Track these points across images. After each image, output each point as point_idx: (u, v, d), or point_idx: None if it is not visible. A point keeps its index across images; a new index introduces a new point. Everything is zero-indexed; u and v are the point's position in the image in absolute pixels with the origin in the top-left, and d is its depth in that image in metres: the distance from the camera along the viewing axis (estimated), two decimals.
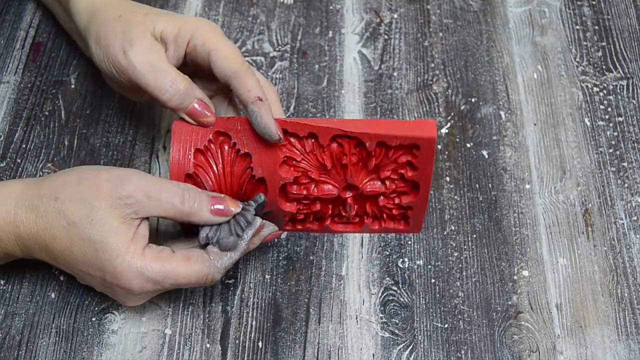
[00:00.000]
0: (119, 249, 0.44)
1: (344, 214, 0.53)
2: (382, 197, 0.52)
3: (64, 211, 0.44)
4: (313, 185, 0.50)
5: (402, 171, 0.50)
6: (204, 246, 0.47)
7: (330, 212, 0.52)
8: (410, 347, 0.50)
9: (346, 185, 0.51)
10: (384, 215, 0.53)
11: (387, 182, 0.51)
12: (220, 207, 0.46)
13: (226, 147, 0.49)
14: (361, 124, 0.48)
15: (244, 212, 0.47)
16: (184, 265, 0.45)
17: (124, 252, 0.44)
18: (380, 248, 0.54)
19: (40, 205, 0.45)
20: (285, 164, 0.49)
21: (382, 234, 0.54)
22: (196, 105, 0.48)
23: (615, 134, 0.60)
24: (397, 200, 0.52)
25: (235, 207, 0.47)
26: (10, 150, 0.58)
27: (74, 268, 0.46)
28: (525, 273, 0.53)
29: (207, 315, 0.51)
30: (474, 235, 0.55)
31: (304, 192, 0.50)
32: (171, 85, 0.47)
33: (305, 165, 0.49)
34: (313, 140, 0.49)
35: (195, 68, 0.50)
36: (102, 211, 0.44)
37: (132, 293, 0.45)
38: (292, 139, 0.49)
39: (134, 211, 0.44)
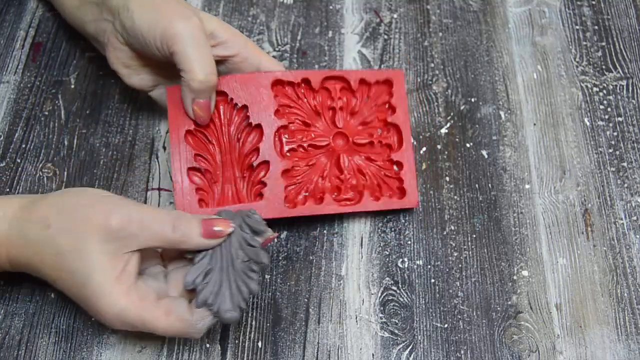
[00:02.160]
0: (103, 288, 0.42)
1: (340, 176, 0.54)
2: (371, 158, 0.55)
3: (53, 240, 0.43)
4: (305, 134, 0.54)
5: (383, 115, 0.56)
6: (192, 290, 0.45)
7: (329, 188, 0.54)
8: (410, 347, 0.50)
9: (336, 133, 0.54)
10: (380, 188, 0.54)
11: (372, 130, 0.56)
12: (212, 229, 0.44)
13: (221, 106, 0.52)
14: (345, 70, 0.57)
15: (252, 249, 0.45)
16: (164, 319, 0.43)
17: (108, 292, 0.42)
18: (380, 248, 0.54)
19: (31, 232, 0.43)
20: (279, 112, 0.53)
21: (382, 234, 0.54)
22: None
23: (615, 134, 0.60)
24: (385, 156, 0.55)
25: (226, 227, 0.45)
26: (10, 150, 0.58)
27: (65, 293, 0.45)
28: (525, 273, 0.53)
29: None
30: (474, 235, 0.55)
31: (298, 139, 0.54)
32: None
33: (298, 111, 0.54)
34: (304, 85, 0.54)
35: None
36: (91, 245, 0.42)
37: (113, 328, 0.44)
38: (286, 88, 0.54)
39: (125, 244, 0.43)
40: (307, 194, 0.53)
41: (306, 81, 0.54)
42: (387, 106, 0.56)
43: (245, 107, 0.52)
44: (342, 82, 0.56)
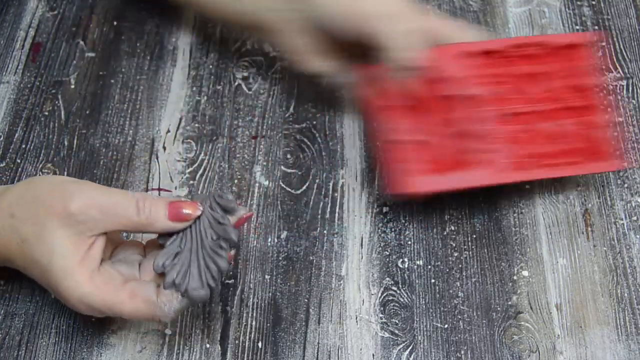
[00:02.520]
0: (65, 272, 0.42)
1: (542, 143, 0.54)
2: (568, 123, 0.54)
3: (18, 229, 0.43)
4: (507, 102, 0.54)
5: (574, 80, 0.54)
6: (161, 274, 0.44)
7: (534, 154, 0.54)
8: (410, 348, 0.50)
9: (528, 100, 0.54)
10: (582, 152, 0.54)
11: (563, 94, 0.54)
12: (179, 211, 0.44)
13: (424, 81, 0.53)
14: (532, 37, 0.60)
15: (223, 227, 0.44)
16: (128, 302, 0.43)
17: (70, 276, 0.42)
18: (380, 248, 0.54)
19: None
20: (480, 82, 0.53)
21: (382, 235, 0.54)
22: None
23: (615, 134, 0.60)
24: (580, 119, 0.54)
25: (194, 210, 0.44)
26: (10, 150, 0.58)
27: (35, 280, 0.45)
28: (525, 273, 0.53)
29: (206, 316, 0.51)
30: (474, 236, 0.55)
31: (501, 107, 0.53)
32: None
33: (496, 80, 0.54)
34: (495, 54, 0.53)
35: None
36: (52, 231, 0.42)
37: (82, 313, 0.44)
38: (480, 58, 0.53)
39: (87, 228, 0.42)
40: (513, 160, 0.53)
41: (495, 50, 0.54)
42: (577, 69, 0.55)
43: (448, 78, 0.52)
44: (529, 48, 0.54)
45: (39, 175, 0.56)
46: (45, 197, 0.43)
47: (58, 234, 0.42)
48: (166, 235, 0.45)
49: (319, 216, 0.55)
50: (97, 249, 0.43)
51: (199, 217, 0.44)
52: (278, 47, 0.56)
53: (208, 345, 0.50)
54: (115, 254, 0.46)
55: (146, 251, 0.47)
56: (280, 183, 0.57)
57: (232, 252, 0.45)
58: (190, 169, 0.58)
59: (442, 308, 0.51)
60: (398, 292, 0.52)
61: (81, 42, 0.64)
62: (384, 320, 0.51)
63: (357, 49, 0.53)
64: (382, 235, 0.54)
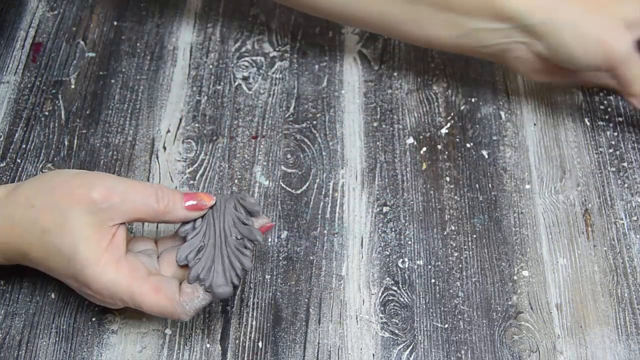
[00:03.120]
0: (90, 259, 0.42)
1: None
2: None
3: (38, 219, 0.43)
4: None
5: None
6: (184, 266, 0.45)
7: None
8: (410, 347, 0.50)
9: None
10: None
11: None
12: (194, 202, 0.45)
13: None
14: None
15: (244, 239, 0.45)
16: (152, 295, 0.43)
17: (94, 262, 0.42)
18: (380, 248, 0.54)
19: (16, 213, 0.44)
20: None
21: (382, 234, 0.54)
22: None
23: (615, 134, 0.60)
24: None
25: (209, 200, 0.45)
26: (10, 150, 0.58)
27: (54, 274, 0.45)
28: (525, 273, 0.53)
29: (207, 316, 0.51)
30: (474, 236, 0.55)
31: None
32: None
33: None
34: None
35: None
36: (75, 219, 0.42)
37: (104, 301, 0.44)
38: None
39: (109, 217, 0.43)
40: None
41: None
42: None
43: None
44: None
45: (39, 173, 0.56)
46: (68, 186, 0.43)
47: (82, 222, 0.42)
48: (187, 228, 0.45)
49: (319, 216, 0.55)
50: (119, 238, 0.44)
51: (222, 215, 0.45)
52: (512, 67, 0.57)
53: (208, 345, 0.50)
54: (130, 248, 0.47)
55: (158, 246, 0.48)
56: (281, 183, 0.57)
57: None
58: (191, 168, 0.58)
59: (442, 308, 0.51)
60: (398, 292, 0.52)
61: (81, 42, 0.64)
62: (384, 320, 0.51)
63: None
64: (382, 235, 0.55)
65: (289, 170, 0.58)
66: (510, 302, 0.52)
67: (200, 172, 0.57)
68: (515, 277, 0.53)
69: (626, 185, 0.57)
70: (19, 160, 0.57)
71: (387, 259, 0.53)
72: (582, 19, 0.52)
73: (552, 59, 0.54)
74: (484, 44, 0.55)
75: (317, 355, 0.49)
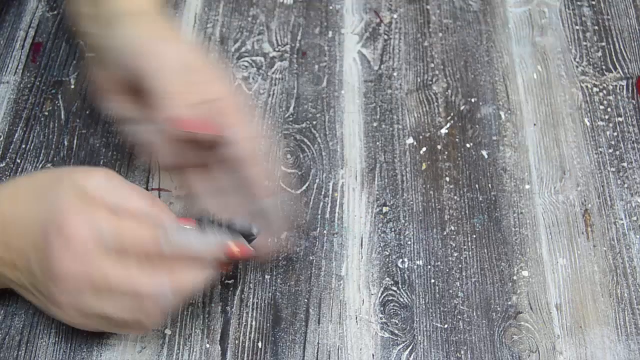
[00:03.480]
0: (71, 195, 0.40)
1: None
2: None
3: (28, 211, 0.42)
4: None
5: None
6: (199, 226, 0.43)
7: None
8: (410, 348, 0.50)
9: None
10: None
11: None
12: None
13: None
14: None
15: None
16: (134, 220, 0.40)
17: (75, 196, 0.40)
18: (380, 248, 0.54)
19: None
20: None
21: (382, 235, 0.54)
22: None
23: (615, 134, 0.60)
24: None
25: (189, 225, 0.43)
26: (10, 150, 0.58)
27: (12, 247, 0.42)
28: (525, 273, 0.53)
29: (206, 316, 0.51)
30: (474, 236, 0.55)
31: None
32: None
33: None
34: None
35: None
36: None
37: (65, 268, 0.39)
38: None
39: None
40: None
41: None
42: None
43: None
44: None
45: None
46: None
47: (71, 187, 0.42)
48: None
49: (319, 216, 0.55)
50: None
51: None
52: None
53: (208, 345, 0.50)
54: None
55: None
56: (280, 183, 0.57)
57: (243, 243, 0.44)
58: None
59: (442, 308, 0.51)
60: (398, 292, 0.52)
61: (81, 42, 0.64)
62: (383, 320, 0.51)
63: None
64: (382, 235, 0.55)
65: (289, 170, 0.58)
66: (510, 302, 0.52)
67: None
68: (514, 277, 0.53)
69: (626, 185, 0.57)
70: (18, 160, 0.57)
71: (387, 259, 0.53)
72: None
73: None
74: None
75: (317, 355, 0.49)
